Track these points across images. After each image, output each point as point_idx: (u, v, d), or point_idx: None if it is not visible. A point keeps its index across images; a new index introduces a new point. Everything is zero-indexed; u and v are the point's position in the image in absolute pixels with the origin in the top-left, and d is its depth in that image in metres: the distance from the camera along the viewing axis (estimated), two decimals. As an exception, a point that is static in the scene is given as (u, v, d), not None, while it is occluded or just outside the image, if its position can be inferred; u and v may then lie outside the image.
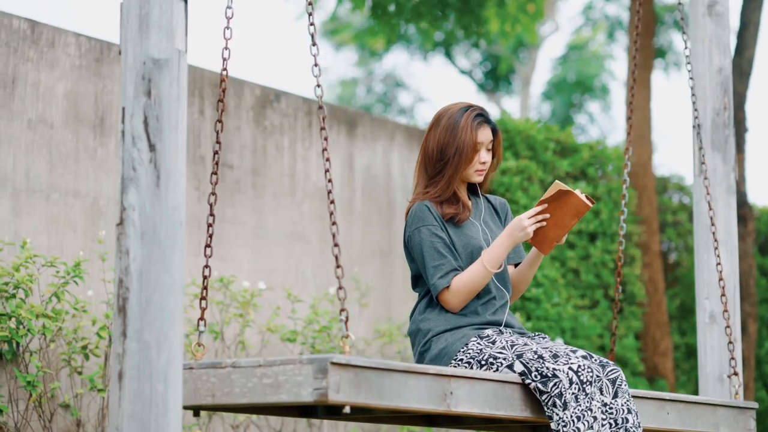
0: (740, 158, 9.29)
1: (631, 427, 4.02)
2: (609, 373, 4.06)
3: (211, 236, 3.93)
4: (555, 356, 4.06)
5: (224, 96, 4.04)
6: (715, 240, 5.29)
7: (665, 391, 9.44)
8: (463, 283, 4.26)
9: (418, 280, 4.43)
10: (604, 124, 23.85)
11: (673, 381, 9.69)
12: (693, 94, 5.42)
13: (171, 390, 3.30)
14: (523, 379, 4.06)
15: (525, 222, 4.23)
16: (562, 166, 8.97)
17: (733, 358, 5.19)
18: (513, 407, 4.04)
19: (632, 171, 9.88)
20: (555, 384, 3.99)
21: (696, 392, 9.49)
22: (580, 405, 3.97)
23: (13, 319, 5.42)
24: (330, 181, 3.77)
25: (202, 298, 3.95)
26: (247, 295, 6.60)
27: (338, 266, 3.67)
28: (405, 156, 8.32)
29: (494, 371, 4.11)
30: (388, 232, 8.11)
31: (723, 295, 5.24)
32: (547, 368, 4.02)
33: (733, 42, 9.65)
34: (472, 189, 4.57)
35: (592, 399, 3.99)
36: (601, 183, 9.34)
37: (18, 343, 5.54)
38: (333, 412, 3.86)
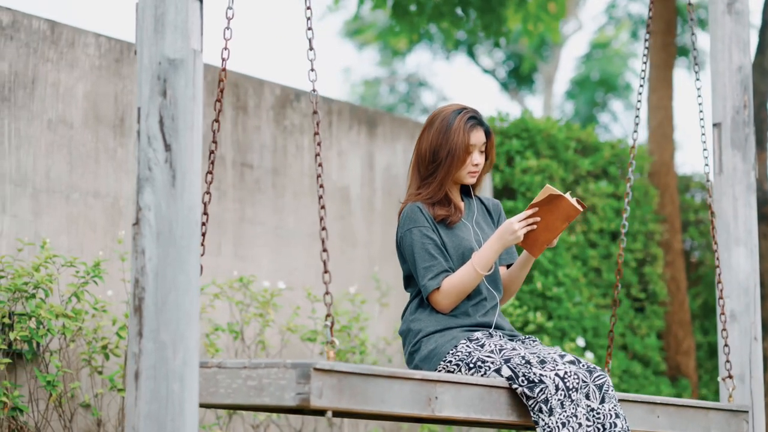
0: (762, 157, 9.25)
1: (619, 431, 4.05)
2: (596, 379, 4.11)
3: (203, 235, 4.01)
4: (542, 362, 4.11)
5: (221, 96, 4.12)
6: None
7: (688, 391, 9.41)
8: (453, 285, 4.31)
9: (410, 281, 4.48)
10: (627, 122, 23.81)
11: (695, 380, 9.66)
12: (699, 95, 5.40)
13: (187, 390, 3.30)
14: (510, 384, 4.11)
15: (515, 225, 4.27)
16: (584, 165, 8.94)
17: (728, 361, 5.16)
18: (499, 411, 4.09)
19: (654, 170, 9.85)
20: (541, 390, 4.04)
21: (718, 391, 9.45)
22: (565, 411, 4.02)
23: (33, 319, 5.44)
24: (321, 186, 3.82)
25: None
26: (267, 295, 6.61)
27: (326, 271, 3.73)
28: (425, 155, 8.30)
29: (482, 375, 4.16)
30: (408, 231, 8.09)
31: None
32: (534, 374, 4.07)
33: (754, 41, 9.61)
34: (466, 190, 4.61)
35: (578, 405, 4.04)
36: (623, 182, 9.31)
37: (38, 343, 5.56)
38: (317, 411, 3.87)
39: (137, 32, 3.46)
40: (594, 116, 23.48)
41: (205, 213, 4.04)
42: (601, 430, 4.03)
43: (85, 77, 6.25)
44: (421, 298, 4.40)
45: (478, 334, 4.30)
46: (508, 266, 4.62)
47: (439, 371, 4.24)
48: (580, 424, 4.00)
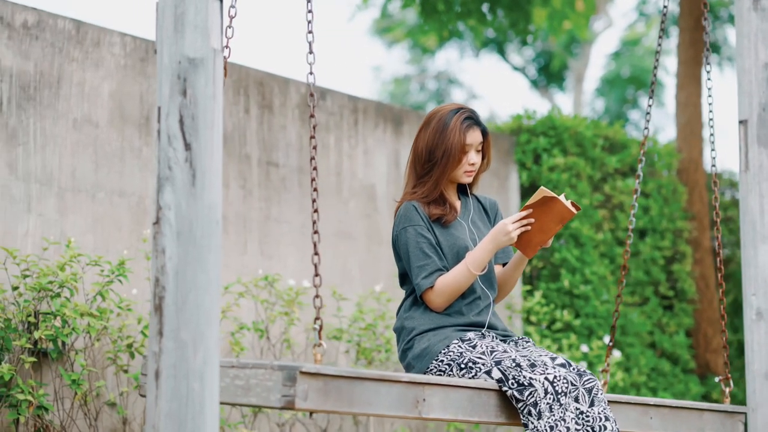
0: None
1: None
2: (585, 383, 4.14)
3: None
4: (533, 365, 4.15)
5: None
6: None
7: (717, 388, 9.36)
8: (446, 284, 4.35)
9: (404, 279, 4.52)
10: (658, 119, 23.72)
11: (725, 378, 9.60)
12: (710, 95, 5.37)
13: (207, 389, 3.31)
14: (500, 386, 4.15)
15: (509, 227, 4.31)
16: (611, 163, 8.91)
17: (725, 363, 5.13)
18: (488, 413, 4.12)
19: (682, 167, 9.81)
20: (531, 393, 4.08)
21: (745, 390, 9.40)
22: (554, 414, 4.05)
23: (58, 318, 5.46)
24: (314, 179, 3.84)
25: None
26: (292, 294, 6.62)
27: (317, 274, 3.79)
28: (452, 153, 8.29)
29: (473, 376, 4.21)
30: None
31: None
32: (524, 377, 4.10)
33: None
34: (463, 189, 4.65)
35: (566, 409, 4.07)
36: (651, 179, 9.27)
37: (63, 342, 5.58)
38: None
39: (157, 31, 3.47)
40: (624, 113, 23.40)
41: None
42: None
43: (110, 76, 6.27)
44: (415, 296, 4.45)
45: (470, 335, 4.34)
46: (504, 265, 4.66)
47: (431, 370, 4.30)
48: (568, 428, 4.03)
